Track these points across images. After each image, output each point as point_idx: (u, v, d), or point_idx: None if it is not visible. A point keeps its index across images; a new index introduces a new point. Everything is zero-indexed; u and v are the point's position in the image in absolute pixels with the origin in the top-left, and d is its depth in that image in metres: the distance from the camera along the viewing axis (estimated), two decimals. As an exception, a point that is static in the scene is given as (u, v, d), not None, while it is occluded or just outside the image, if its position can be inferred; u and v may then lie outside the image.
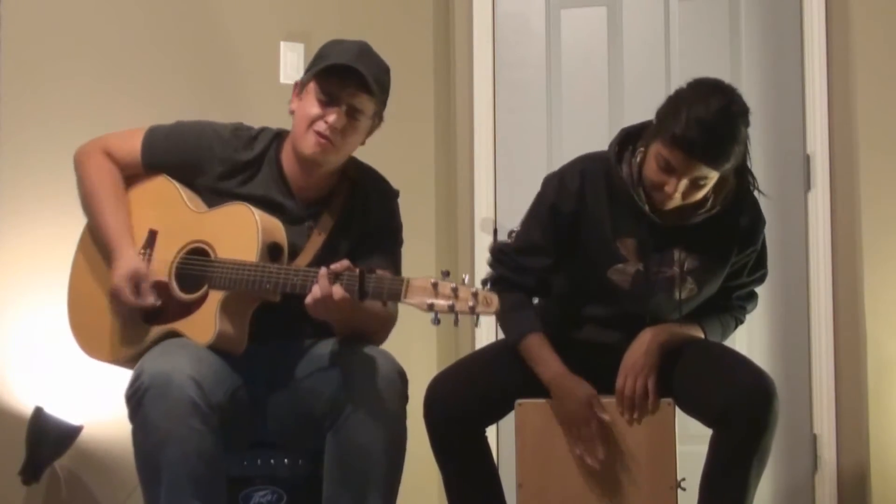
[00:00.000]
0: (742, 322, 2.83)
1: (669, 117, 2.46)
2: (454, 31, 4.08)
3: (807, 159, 3.81)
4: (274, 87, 3.67)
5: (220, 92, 3.68)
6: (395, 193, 2.67)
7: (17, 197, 3.40)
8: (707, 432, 2.58)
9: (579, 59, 4.02)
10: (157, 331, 2.44)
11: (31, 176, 3.39)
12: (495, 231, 3.99)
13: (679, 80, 3.84)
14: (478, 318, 2.24)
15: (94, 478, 3.44)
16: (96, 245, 2.57)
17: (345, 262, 2.31)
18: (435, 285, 2.20)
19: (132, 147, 2.58)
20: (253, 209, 2.44)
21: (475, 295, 2.20)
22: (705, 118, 2.42)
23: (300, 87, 2.54)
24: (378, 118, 2.57)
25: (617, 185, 2.62)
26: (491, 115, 4.03)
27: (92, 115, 3.44)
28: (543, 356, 2.63)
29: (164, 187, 2.56)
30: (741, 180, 2.60)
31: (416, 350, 3.73)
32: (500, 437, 3.68)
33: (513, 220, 3.91)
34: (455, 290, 2.20)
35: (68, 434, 3.30)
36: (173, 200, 2.53)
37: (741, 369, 2.58)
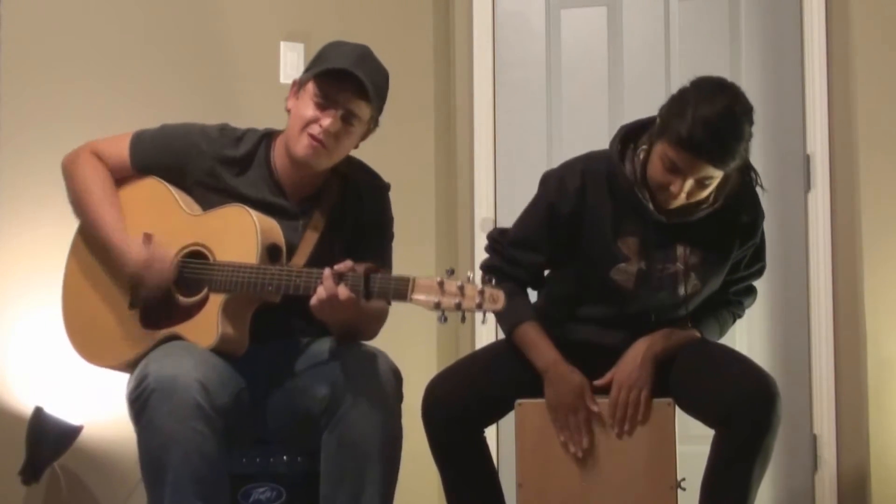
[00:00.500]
0: (740, 317, 2.82)
1: (675, 117, 2.46)
2: (454, 31, 4.08)
3: (807, 159, 3.81)
4: (274, 87, 3.67)
5: (221, 92, 3.68)
6: (387, 187, 2.67)
7: (17, 197, 3.40)
8: (707, 432, 2.58)
9: (579, 59, 4.02)
10: (158, 335, 2.43)
11: (31, 176, 3.39)
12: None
13: (679, 80, 3.84)
14: (485, 315, 2.26)
15: (94, 478, 3.44)
16: (90, 249, 2.56)
17: (348, 263, 2.31)
18: (441, 284, 2.21)
19: (120, 150, 2.57)
20: (250, 211, 2.44)
21: (482, 293, 2.21)
22: (711, 118, 2.42)
23: (298, 85, 2.53)
24: (374, 123, 2.56)
25: (619, 184, 2.61)
26: (491, 115, 4.03)
27: (92, 116, 3.44)
28: (538, 344, 2.64)
29: (156, 189, 2.55)
30: (744, 176, 2.60)
31: (416, 350, 3.73)
32: (500, 437, 3.69)
33: (512, 219, 3.90)
34: (461, 288, 2.21)
35: (68, 434, 3.30)
36: (167, 203, 2.52)
37: (744, 369, 2.58)
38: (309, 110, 2.47)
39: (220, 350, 2.38)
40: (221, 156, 2.54)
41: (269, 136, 2.60)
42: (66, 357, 2.59)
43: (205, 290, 2.41)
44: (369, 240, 2.59)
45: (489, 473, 2.73)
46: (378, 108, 2.54)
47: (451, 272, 2.24)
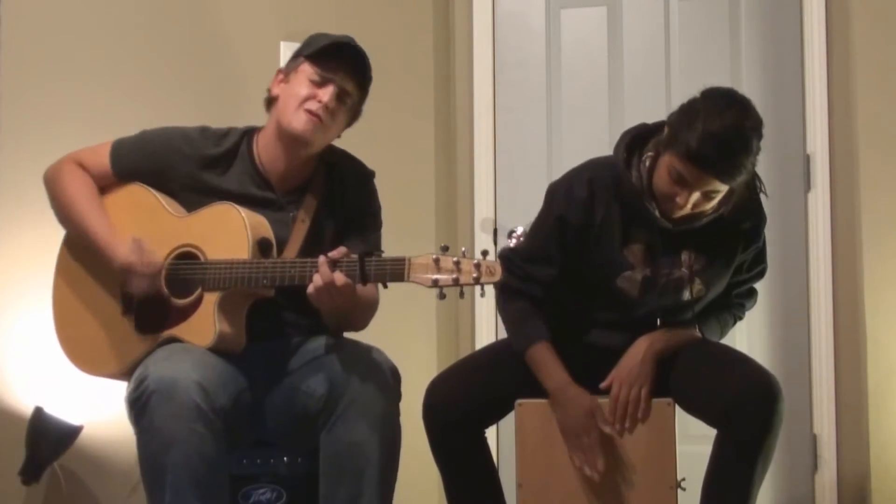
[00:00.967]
0: (741, 319, 2.82)
1: (684, 129, 2.44)
2: (454, 31, 4.08)
3: (807, 159, 3.81)
4: (274, 86, 3.67)
5: (220, 92, 3.68)
6: (371, 174, 2.67)
7: (17, 197, 3.40)
8: (707, 432, 2.58)
9: (579, 59, 4.02)
10: (154, 339, 2.43)
11: (31, 176, 3.35)
12: (495, 231, 3.99)
13: (679, 80, 3.85)
14: (483, 289, 2.27)
15: (94, 478, 3.44)
16: (77, 261, 2.56)
17: (342, 249, 2.32)
18: (437, 261, 2.23)
19: (101, 159, 2.57)
20: (238, 207, 2.44)
21: (478, 266, 2.23)
22: (721, 133, 2.40)
23: (286, 72, 2.56)
24: (358, 109, 2.59)
25: (626, 193, 2.60)
26: (491, 115, 4.03)
27: (92, 116, 3.45)
28: (549, 366, 2.62)
29: (140, 194, 2.54)
30: (750, 186, 2.58)
31: (416, 350, 3.73)
32: (500, 437, 3.69)
33: (513, 219, 3.91)
34: (457, 264, 2.23)
35: (68, 434, 3.30)
36: (152, 207, 2.52)
37: (745, 368, 2.58)
38: (304, 89, 2.49)
39: (219, 348, 2.38)
40: (204, 156, 2.54)
41: (249, 132, 2.61)
42: (65, 357, 2.59)
43: (198, 291, 2.41)
44: (358, 228, 2.60)
45: (490, 473, 2.73)
46: (364, 93, 2.58)
47: (446, 248, 2.26)
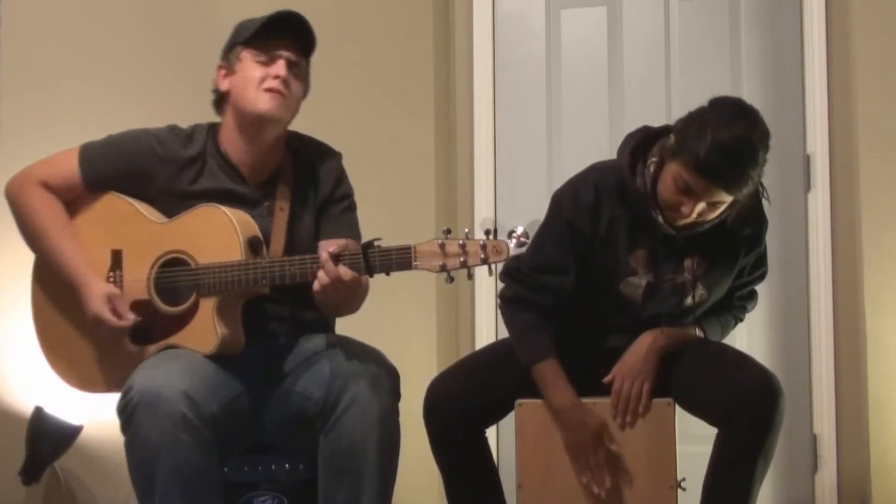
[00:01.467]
0: (742, 320, 2.83)
1: (692, 139, 2.42)
2: (454, 31, 4.08)
3: (807, 159, 3.81)
4: (274, 86, 3.67)
5: (220, 92, 3.67)
6: (338, 154, 2.64)
7: (17, 197, 3.39)
8: (707, 432, 2.57)
9: (579, 59, 4.02)
10: (152, 349, 2.40)
11: (31, 176, 3.38)
12: (495, 231, 3.98)
13: (679, 80, 3.85)
14: (491, 268, 2.26)
15: (94, 478, 3.44)
16: (53, 277, 2.51)
17: (341, 242, 2.31)
18: (442, 246, 2.23)
19: (67, 170, 2.50)
20: (222, 208, 2.41)
21: (484, 247, 2.23)
22: (729, 145, 2.39)
23: (226, 66, 2.54)
24: (308, 77, 2.57)
25: (630, 198, 2.59)
26: (491, 115, 4.03)
27: (91, 116, 3.44)
28: (556, 383, 2.60)
29: (115, 204, 2.49)
30: (754, 194, 2.56)
31: (416, 350, 3.73)
32: (500, 437, 3.69)
33: (513, 219, 3.92)
34: (463, 246, 2.23)
35: (68, 434, 3.30)
36: (130, 215, 2.47)
37: (747, 368, 2.57)
38: (255, 71, 2.48)
39: (221, 353, 2.37)
40: (179, 158, 2.51)
41: (213, 127, 2.58)
42: (59, 379, 2.58)
43: (193, 296, 2.38)
44: (334, 213, 2.57)
45: (490, 473, 2.73)
46: (309, 56, 2.56)
47: (448, 231, 2.25)
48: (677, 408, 2.62)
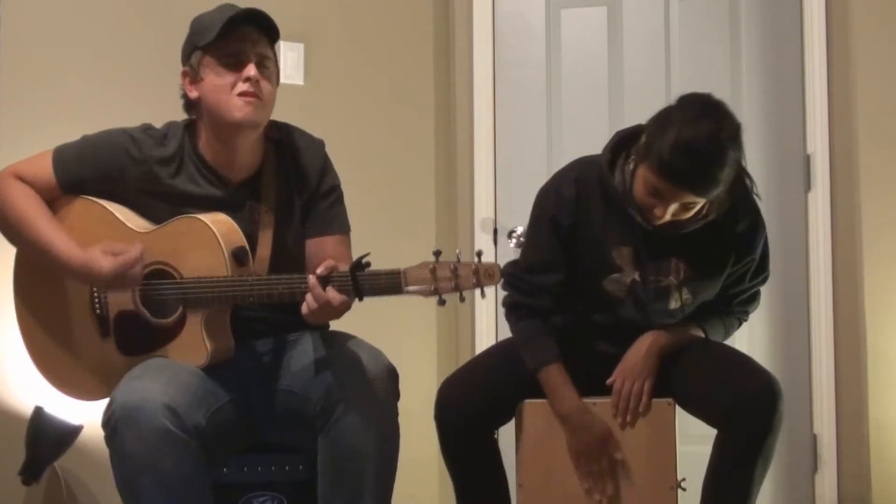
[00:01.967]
0: (745, 321, 2.82)
1: (657, 140, 2.38)
2: (454, 30, 4.08)
3: (807, 159, 3.81)
4: (274, 87, 3.67)
5: (220, 92, 3.67)
6: (321, 143, 2.56)
7: (17, 197, 3.39)
8: (707, 432, 2.58)
9: (579, 59, 4.02)
10: (142, 360, 2.36)
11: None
12: (495, 231, 3.99)
13: (679, 80, 3.85)
14: (483, 291, 2.21)
15: (94, 478, 3.43)
16: (37, 285, 2.46)
17: (329, 263, 2.24)
18: (433, 270, 2.17)
19: (42, 169, 2.44)
20: (205, 220, 2.34)
21: (476, 271, 2.18)
22: (693, 145, 2.33)
23: (192, 73, 2.42)
24: (278, 65, 2.47)
25: (611, 193, 2.57)
26: (491, 115, 4.03)
27: (91, 116, 3.43)
28: (562, 389, 2.60)
29: (92, 211, 2.42)
30: (738, 189, 2.53)
31: (416, 349, 3.73)
32: (501, 438, 3.68)
33: (512, 219, 3.92)
34: (455, 270, 2.17)
35: (68, 434, 3.29)
36: (109, 223, 2.40)
37: (747, 369, 2.57)
38: (223, 78, 2.38)
39: (212, 363, 2.34)
40: (153, 157, 2.44)
41: (189, 126, 2.50)
42: (52, 388, 2.58)
43: (180, 309, 2.34)
44: (322, 208, 2.51)
45: (499, 475, 2.71)
46: (274, 46, 2.46)
47: (439, 253, 2.19)
48: (677, 408, 2.63)
